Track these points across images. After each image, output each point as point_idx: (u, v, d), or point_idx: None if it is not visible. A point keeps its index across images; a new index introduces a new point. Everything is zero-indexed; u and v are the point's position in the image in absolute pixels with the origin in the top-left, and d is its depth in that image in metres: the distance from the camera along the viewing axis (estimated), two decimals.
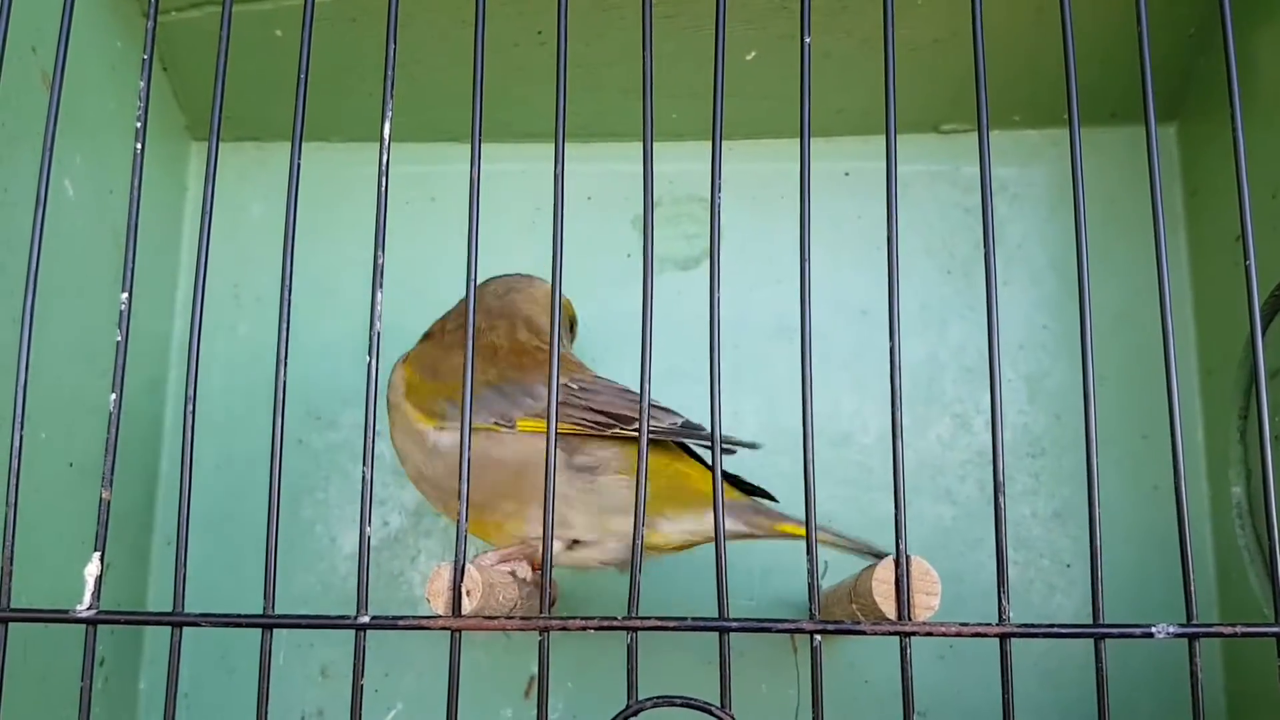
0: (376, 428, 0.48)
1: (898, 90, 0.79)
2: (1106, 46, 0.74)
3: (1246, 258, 0.51)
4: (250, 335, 0.80)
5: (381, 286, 0.50)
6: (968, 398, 0.78)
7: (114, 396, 0.49)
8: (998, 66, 0.77)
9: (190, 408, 0.48)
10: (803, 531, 0.65)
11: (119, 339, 0.49)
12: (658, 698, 0.47)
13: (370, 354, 0.49)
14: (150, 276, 0.76)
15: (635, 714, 0.47)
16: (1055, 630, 0.51)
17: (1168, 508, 0.73)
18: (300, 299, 0.77)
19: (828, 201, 0.81)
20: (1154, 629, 0.47)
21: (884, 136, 0.82)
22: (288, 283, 0.50)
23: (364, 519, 0.48)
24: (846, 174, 0.82)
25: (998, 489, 0.48)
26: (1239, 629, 0.48)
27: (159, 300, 0.77)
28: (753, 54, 0.77)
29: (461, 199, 0.75)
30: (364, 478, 0.48)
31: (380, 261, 0.50)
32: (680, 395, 0.79)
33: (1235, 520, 0.72)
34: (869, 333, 0.79)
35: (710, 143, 0.82)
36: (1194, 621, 0.47)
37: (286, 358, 0.49)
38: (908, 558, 0.48)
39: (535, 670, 0.75)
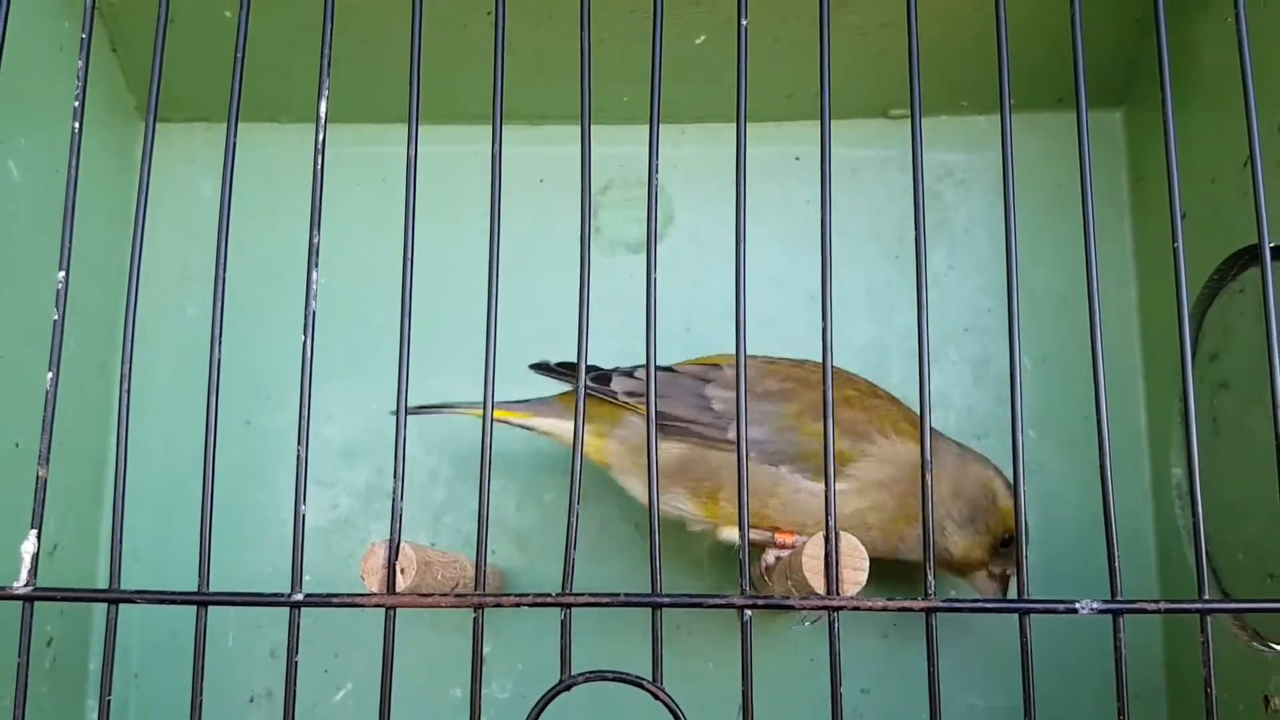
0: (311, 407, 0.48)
1: (846, 75, 0.80)
2: (1053, 32, 0.74)
3: (1175, 240, 0.52)
4: (200, 316, 0.80)
5: (317, 266, 0.51)
6: (913, 380, 0.77)
7: (50, 375, 0.49)
8: (945, 52, 0.78)
9: (125, 385, 0.49)
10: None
11: (55, 318, 0.49)
12: (589, 673, 0.48)
13: (305, 333, 0.49)
14: (100, 258, 0.76)
15: (568, 689, 0.47)
16: (979, 605, 0.52)
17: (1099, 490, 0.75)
18: (251, 280, 0.78)
19: (778, 186, 0.81)
20: (1078, 605, 0.48)
21: (836, 122, 0.83)
22: (222, 262, 0.50)
23: (299, 498, 0.48)
24: (797, 158, 0.82)
25: (924, 466, 0.49)
26: (1162, 605, 0.49)
27: (109, 283, 0.77)
28: (702, 38, 0.77)
29: (421, 182, 0.75)
30: (299, 456, 0.48)
31: (316, 241, 0.51)
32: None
33: (1175, 501, 0.73)
34: (819, 316, 0.79)
35: (662, 126, 0.83)
36: (1118, 598, 0.48)
37: (221, 336, 0.50)
38: (837, 534, 0.49)
39: (486, 650, 0.76)
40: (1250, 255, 0.63)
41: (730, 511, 0.65)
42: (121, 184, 0.81)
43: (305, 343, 0.48)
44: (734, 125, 0.85)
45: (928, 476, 0.48)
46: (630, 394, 0.69)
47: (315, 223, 0.50)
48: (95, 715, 0.74)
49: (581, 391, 0.49)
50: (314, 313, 0.49)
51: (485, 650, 0.75)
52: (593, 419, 0.67)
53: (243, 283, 0.74)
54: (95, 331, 0.75)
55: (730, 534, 0.66)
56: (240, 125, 0.83)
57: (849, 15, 0.75)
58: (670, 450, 0.66)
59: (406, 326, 0.50)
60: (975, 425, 0.78)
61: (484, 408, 0.48)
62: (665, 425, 0.66)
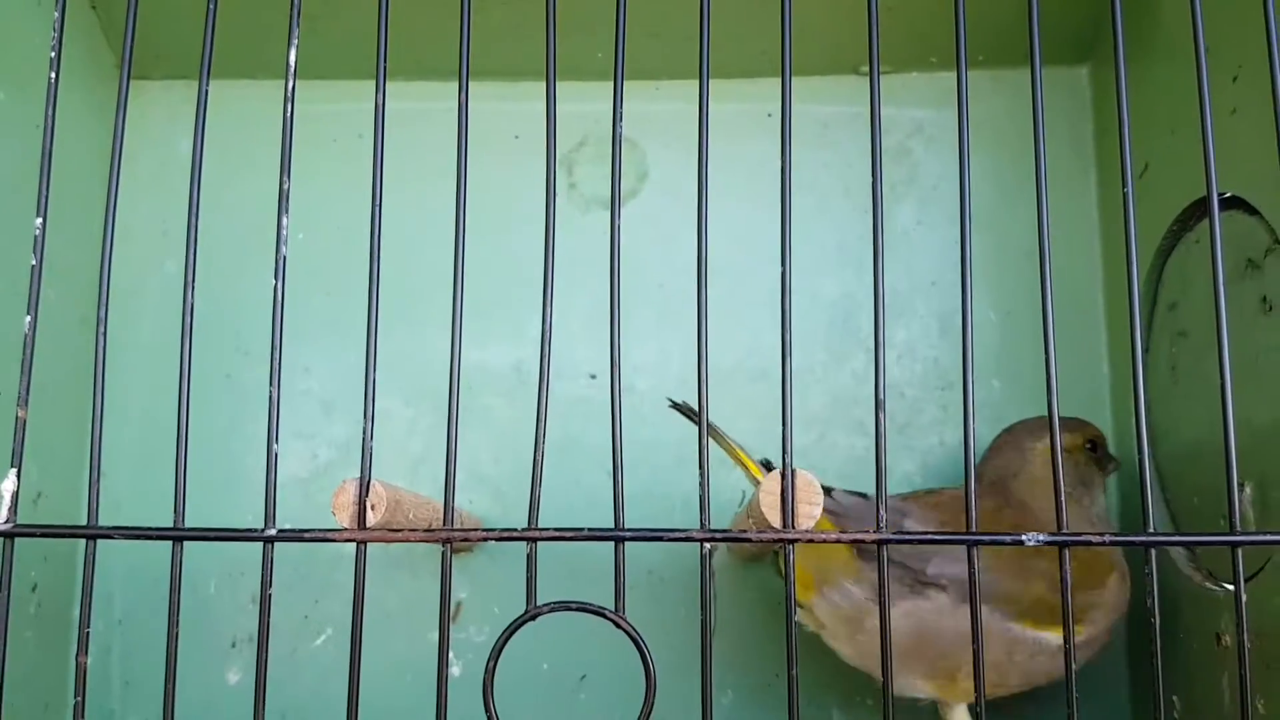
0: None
1: (817, 32, 0.81)
2: None
3: (1126, 211, 0.53)
4: (179, 271, 0.81)
5: (287, 212, 0.52)
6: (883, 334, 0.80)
7: (28, 319, 0.51)
8: (915, 8, 0.80)
9: (102, 328, 0.50)
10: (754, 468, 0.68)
11: (33, 263, 0.51)
12: (554, 603, 0.49)
13: (276, 277, 0.51)
14: (81, 213, 0.77)
15: (533, 618, 0.49)
16: (928, 536, 0.54)
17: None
18: (230, 236, 0.79)
19: (750, 143, 0.82)
20: (1024, 537, 0.50)
21: (807, 78, 0.84)
22: (194, 221, 0.51)
23: (271, 436, 0.50)
24: (769, 115, 0.84)
25: (878, 408, 0.50)
26: (1107, 537, 0.50)
27: (90, 237, 0.78)
28: None
29: (395, 138, 0.77)
30: (271, 397, 0.50)
31: (286, 187, 0.52)
32: (609, 335, 0.81)
33: (1135, 446, 0.75)
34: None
35: (633, 82, 0.84)
36: (1064, 530, 0.50)
37: (194, 286, 0.51)
38: (793, 470, 0.50)
39: (462, 597, 0.78)
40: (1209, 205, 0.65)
41: (970, 688, 0.63)
42: (102, 140, 0.81)
43: (276, 286, 0.50)
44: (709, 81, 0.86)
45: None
46: (828, 511, 0.66)
47: (285, 168, 0.51)
48: (88, 650, 0.76)
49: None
50: (284, 258, 0.50)
51: (462, 596, 0.77)
52: (805, 559, 0.65)
53: (222, 238, 0.75)
54: (77, 285, 0.77)
55: (963, 716, 0.65)
56: (218, 82, 0.84)
57: None
58: (900, 623, 0.63)
59: (376, 274, 0.51)
60: (940, 377, 0.79)
61: (452, 347, 0.50)
62: (867, 554, 0.64)
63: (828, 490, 0.68)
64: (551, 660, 0.76)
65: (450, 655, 0.77)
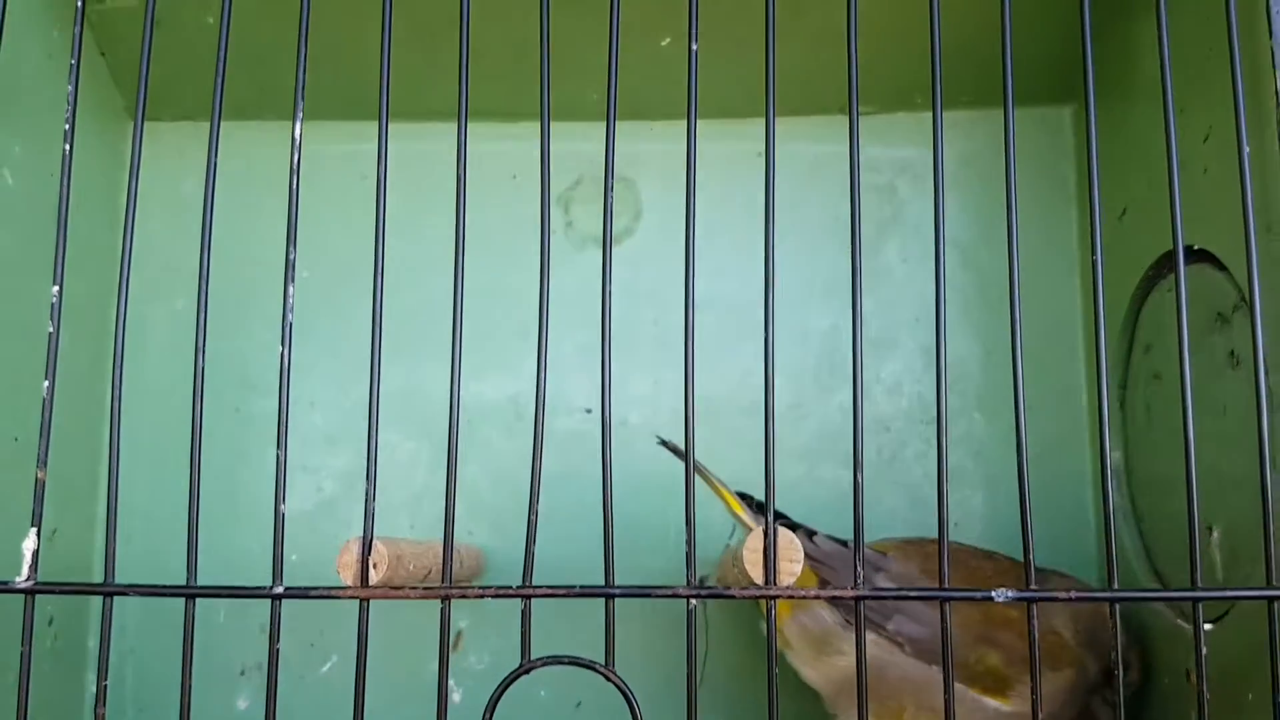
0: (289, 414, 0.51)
1: (807, 74, 0.83)
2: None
3: (1094, 253, 0.55)
4: (188, 309, 0.83)
5: (294, 280, 0.54)
6: (868, 368, 0.82)
7: (46, 384, 0.53)
8: (900, 50, 0.81)
9: (118, 375, 0.53)
10: (739, 508, 0.71)
11: (50, 330, 0.53)
12: (547, 658, 0.52)
13: (283, 344, 0.53)
14: (91, 254, 0.80)
15: (527, 672, 0.52)
16: (904, 593, 0.56)
17: (1049, 474, 0.79)
18: (239, 274, 0.82)
19: (741, 182, 0.85)
20: (994, 594, 0.52)
21: (795, 119, 0.86)
22: (206, 255, 0.54)
23: (278, 498, 0.52)
24: (759, 155, 0.86)
25: (858, 466, 0.52)
26: (1073, 594, 0.53)
27: (100, 278, 0.81)
28: (668, 40, 0.80)
29: (397, 178, 0.79)
30: (278, 459, 0.52)
31: (292, 258, 0.54)
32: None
33: (1113, 485, 0.77)
34: (778, 307, 0.83)
35: (628, 122, 0.86)
36: (1032, 587, 0.52)
37: (206, 330, 0.53)
38: (776, 529, 0.53)
39: (463, 626, 0.80)
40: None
41: None
42: (112, 181, 0.84)
43: (283, 353, 0.52)
44: (701, 123, 0.88)
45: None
46: (809, 557, 0.69)
47: (291, 238, 0.53)
48: (91, 688, 0.79)
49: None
50: (290, 325, 0.52)
51: (463, 625, 0.80)
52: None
53: (231, 277, 0.78)
54: (88, 326, 0.79)
55: None
56: (227, 124, 0.87)
57: (809, 18, 0.78)
58: (847, 660, 0.66)
59: (378, 319, 0.54)
60: (925, 411, 0.82)
61: (451, 392, 0.52)
62: (838, 601, 0.67)
63: (811, 534, 0.71)
64: (549, 687, 0.79)
65: (451, 683, 0.81)
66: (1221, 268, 0.63)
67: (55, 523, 0.74)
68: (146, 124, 0.85)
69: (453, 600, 0.76)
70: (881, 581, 0.69)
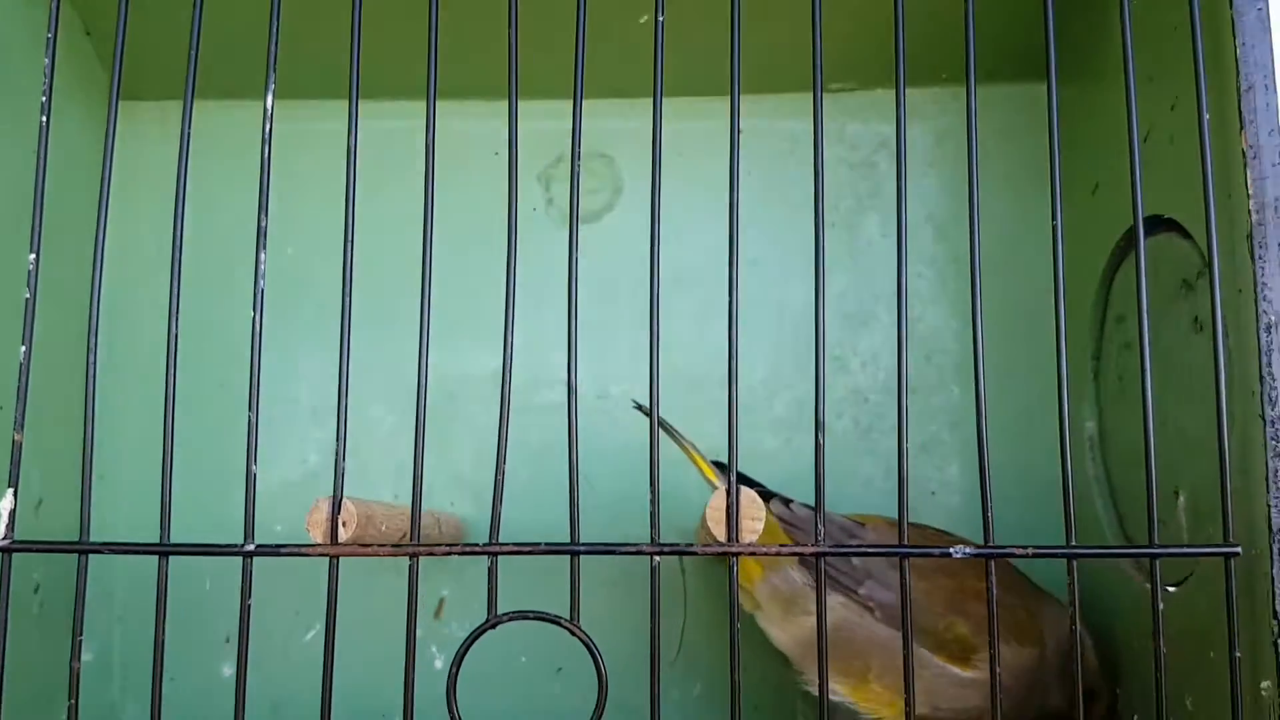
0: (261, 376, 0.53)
1: (787, 50, 0.84)
2: (979, 6, 0.78)
3: (1055, 221, 0.56)
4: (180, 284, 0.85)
5: (265, 248, 0.55)
6: (846, 341, 0.83)
7: (24, 349, 0.54)
8: (880, 27, 0.82)
9: (92, 358, 0.54)
10: (710, 471, 0.72)
11: (26, 296, 0.55)
12: (513, 613, 0.53)
13: (254, 309, 0.54)
14: (78, 232, 0.81)
15: (493, 627, 0.53)
16: (864, 549, 0.57)
17: (1025, 443, 0.80)
18: (223, 249, 0.83)
19: (720, 158, 0.85)
20: (953, 550, 0.53)
21: (778, 95, 0.87)
22: (179, 231, 0.55)
23: (250, 458, 0.53)
24: (740, 131, 0.86)
25: (818, 429, 0.53)
26: (1030, 550, 0.54)
27: (88, 254, 0.82)
28: (644, 18, 0.81)
29: (375, 153, 0.80)
30: (250, 421, 0.54)
31: (264, 225, 0.55)
32: (588, 342, 0.84)
33: (1087, 453, 0.78)
34: (757, 282, 0.84)
35: (608, 100, 0.87)
36: (990, 544, 0.53)
37: (179, 303, 0.54)
38: (738, 488, 0.54)
39: (445, 595, 0.82)
40: (1150, 226, 0.67)
41: (881, 692, 0.66)
42: (99, 161, 0.85)
43: (254, 318, 0.53)
44: (678, 100, 0.90)
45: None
46: (784, 521, 0.71)
47: (263, 206, 0.54)
48: (82, 655, 0.80)
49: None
50: (262, 290, 0.53)
51: (445, 593, 0.81)
52: (757, 541, 0.69)
53: (215, 252, 0.79)
54: (79, 301, 0.80)
55: None
56: (211, 103, 0.89)
57: None
58: (814, 620, 0.67)
59: (347, 293, 0.55)
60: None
61: (418, 362, 0.53)
62: (809, 562, 0.68)
63: (787, 501, 0.72)
64: (529, 653, 0.80)
65: (433, 649, 0.82)
66: (1186, 235, 0.64)
67: (42, 493, 0.75)
68: (134, 103, 0.88)
69: (426, 561, 0.77)
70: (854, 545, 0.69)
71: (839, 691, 0.67)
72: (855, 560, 0.69)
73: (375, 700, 0.79)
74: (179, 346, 0.85)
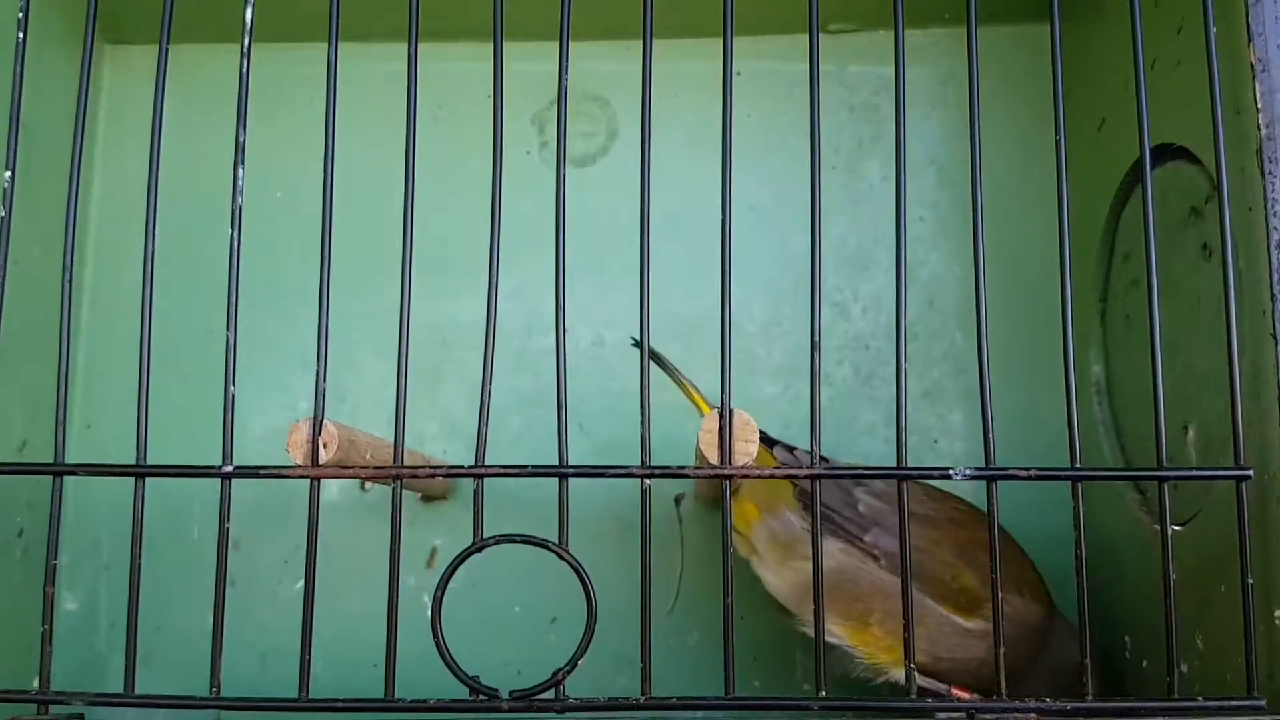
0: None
1: None
2: None
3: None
4: (161, 228, 0.83)
5: (243, 163, 0.54)
6: (846, 287, 0.81)
7: None
8: None
9: (67, 291, 0.53)
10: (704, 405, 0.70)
11: (2, 214, 0.53)
12: (500, 536, 0.52)
13: (231, 226, 0.53)
14: (66, 177, 0.79)
15: (479, 550, 0.51)
16: (859, 471, 0.56)
17: (1032, 390, 0.78)
18: (211, 195, 0.81)
19: (718, 100, 0.84)
20: (953, 471, 0.52)
21: (776, 37, 0.85)
22: (155, 161, 0.53)
23: (228, 378, 0.52)
24: (738, 74, 0.84)
25: (813, 350, 0.52)
26: (1033, 471, 0.52)
27: (80, 197, 0.80)
28: None
29: (368, 96, 0.78)
30: (228, 341, 0.52)
31: (242, 140, 0.54)
32: (583, 288, 0.83)
33: (1094, 398, 0.76)
34: (756, 227, 0.83)
35: (603, 42, 0.85)
36: (991, 466, 0.52)
37: (154, 244, 0.53)
38: (731, 410, 0.52)
39: (437, 544, 0.80)
40: (1156, 156, 0.66)
41: (881, 636, 0.65)
42: (88, 105, 0.84)
43: (231, 235, 0.52)
44: (673, 41, 0.88)
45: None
46: (785, 466, 0.68)
47: (241, 119, 0.53)
48: (67, 604, 0.79)
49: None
50: (240, 208, 0.52)
51: (437, 542, 0.80)
52: (753, 492, 0.68)
53: (203, 197, 0.78)
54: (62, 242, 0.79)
55: (898, 675, 0.64)
56: (198, 46, 0.87)
57: None
58: (825, 562, 0.64)
59: (328, 236, 0.54)
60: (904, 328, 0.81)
61: (402, 304, 0.51)
62: (795, 481, 0.65)
63: (790, 448, 0.70)
64: (523, 603, 0.78)
65: (425, 600, 0.80)
66: (1194, 161, 0.62)
67: (25, 435, 0.73)
68: (123, 47, 0.86)
69: (418, 510, 0.76)
70: (861, 496, 0.68)
71: (837, 634, 0.65)
72: (860, 508, 0.67)
73: (365, 651, 0.77)
74: (163, 288, 0.84)
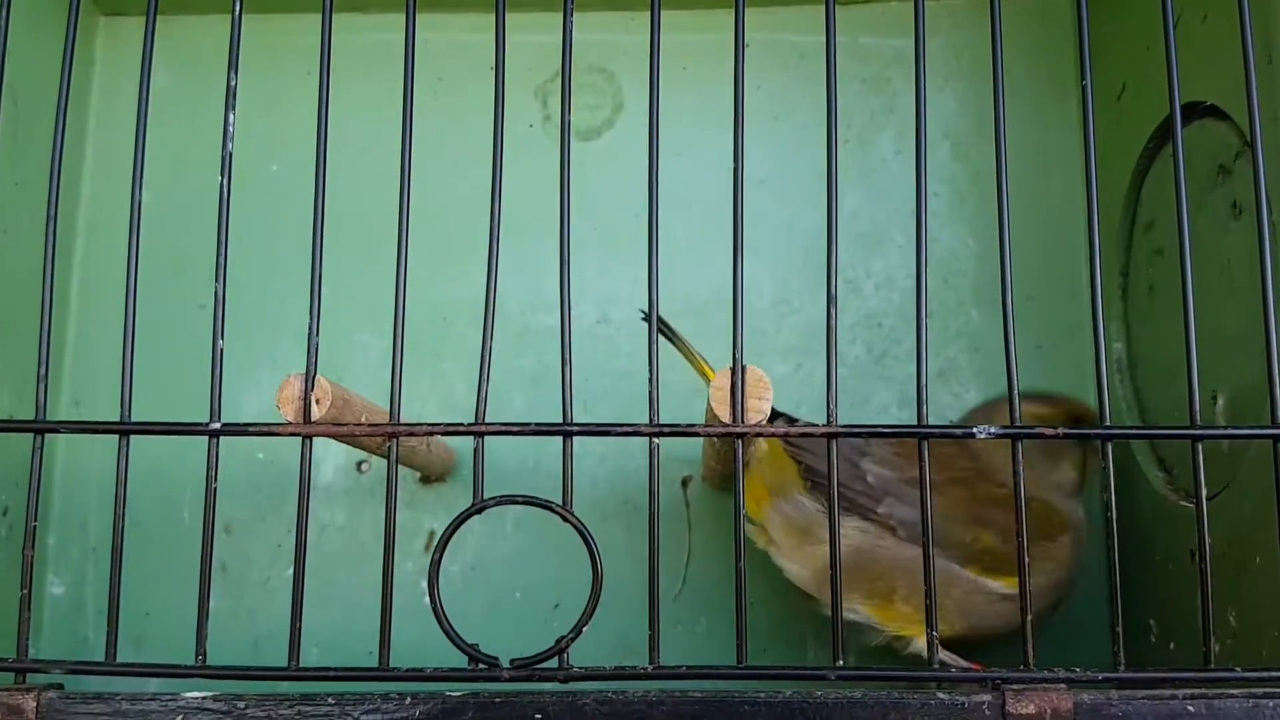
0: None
1: None
2: None
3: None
4: (153, 202, 0.81)
5: (234, 108, 0.52)
6: (859, 263, 0.79)
7: None
8: None
9: (50, 253, 0.51)
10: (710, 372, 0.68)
11: None
12: (501, 497, 0.49)
13: (222, 173, 0.51)
14: (68, 148, 0.78)
15: (479, 511, 0.49)
16: (878, 429, 0.53)
17: (1051, 365, 0.76)
18: (207, 169, 0.79)
19: (727, 73, 0.82)
20: (977, 430, 0.49)
21: (786, 9, 0.83)
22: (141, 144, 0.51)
23: (216, 333, 0.50)
24: (747, 45, 0.83)
25: (829, 303, 0.50)
26: (1060, 430, 0.50)
27: (68, 168, 0.79)
28: None
29: (363, 69, 0.76)
30: (216, 293, 0.50)
31: (234, 84, 0.52)
32: (587, 264, 0.81)
33: (1115, 374, 0.74)
34: (765, 202, 0.80)
35: (609, 13, 0.84)
36: (1016, 424, 0.49)
37: (140, 209, 0.51)
38: (743, 367, 0.50)
39: (436, 525, 0.78)
40: (1183, 116, 0.63)
41: (909, 612, 0.62)
42: (80, 77, 0.82)
43: (221, 183, 0.50)
44: (681, 13, 0.86)
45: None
46: (791, 444, 0.66)
47: (233, 63, 0.51)
48: (54, 589, 0.76)
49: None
50: (230, 154, 0.50)
51: (435, 525, 0.77)
52: (762, 467, 0.66)
53: (198, 171, 0.76)
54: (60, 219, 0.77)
55: (920, 646, 0.61)
56: (193, 17, 0.85)
57: None
58: (843, 541, 0.60)
59: (320, 206, 0.52)
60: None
61: (397, 280, 0.49)
62: (821, 484, 0.63)
63: (792, 420, 0.68)
64: (525, 590, 0.76)
65: (423, 586, 0.77)
66: (1223, 117, 0.60)
67: (12, 409, 0.71)
68: (117, 18, 0.85)
69: (417, 492, 0.73)
70: (866, 465, 0.65)
71: (863, 612, 0.63)
72: (869, 479, 0.65)
73: (360, 640, 0.75)
74: (155, 263, 0.82)
